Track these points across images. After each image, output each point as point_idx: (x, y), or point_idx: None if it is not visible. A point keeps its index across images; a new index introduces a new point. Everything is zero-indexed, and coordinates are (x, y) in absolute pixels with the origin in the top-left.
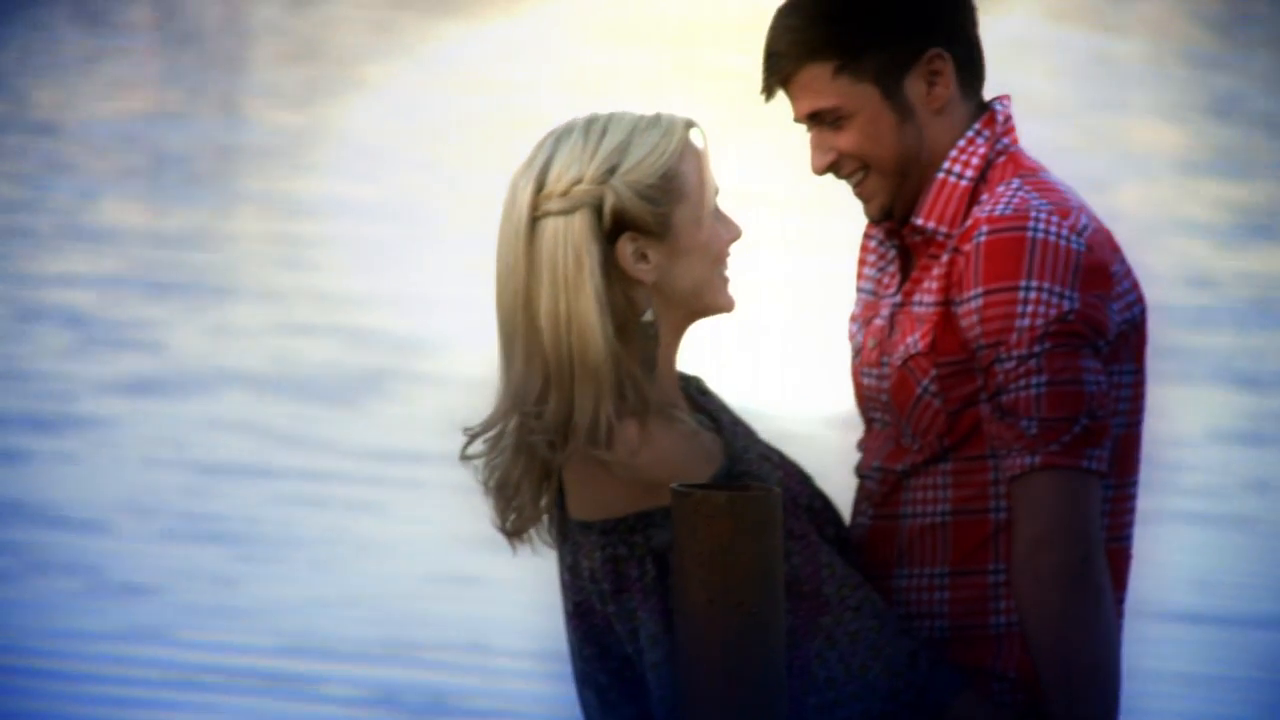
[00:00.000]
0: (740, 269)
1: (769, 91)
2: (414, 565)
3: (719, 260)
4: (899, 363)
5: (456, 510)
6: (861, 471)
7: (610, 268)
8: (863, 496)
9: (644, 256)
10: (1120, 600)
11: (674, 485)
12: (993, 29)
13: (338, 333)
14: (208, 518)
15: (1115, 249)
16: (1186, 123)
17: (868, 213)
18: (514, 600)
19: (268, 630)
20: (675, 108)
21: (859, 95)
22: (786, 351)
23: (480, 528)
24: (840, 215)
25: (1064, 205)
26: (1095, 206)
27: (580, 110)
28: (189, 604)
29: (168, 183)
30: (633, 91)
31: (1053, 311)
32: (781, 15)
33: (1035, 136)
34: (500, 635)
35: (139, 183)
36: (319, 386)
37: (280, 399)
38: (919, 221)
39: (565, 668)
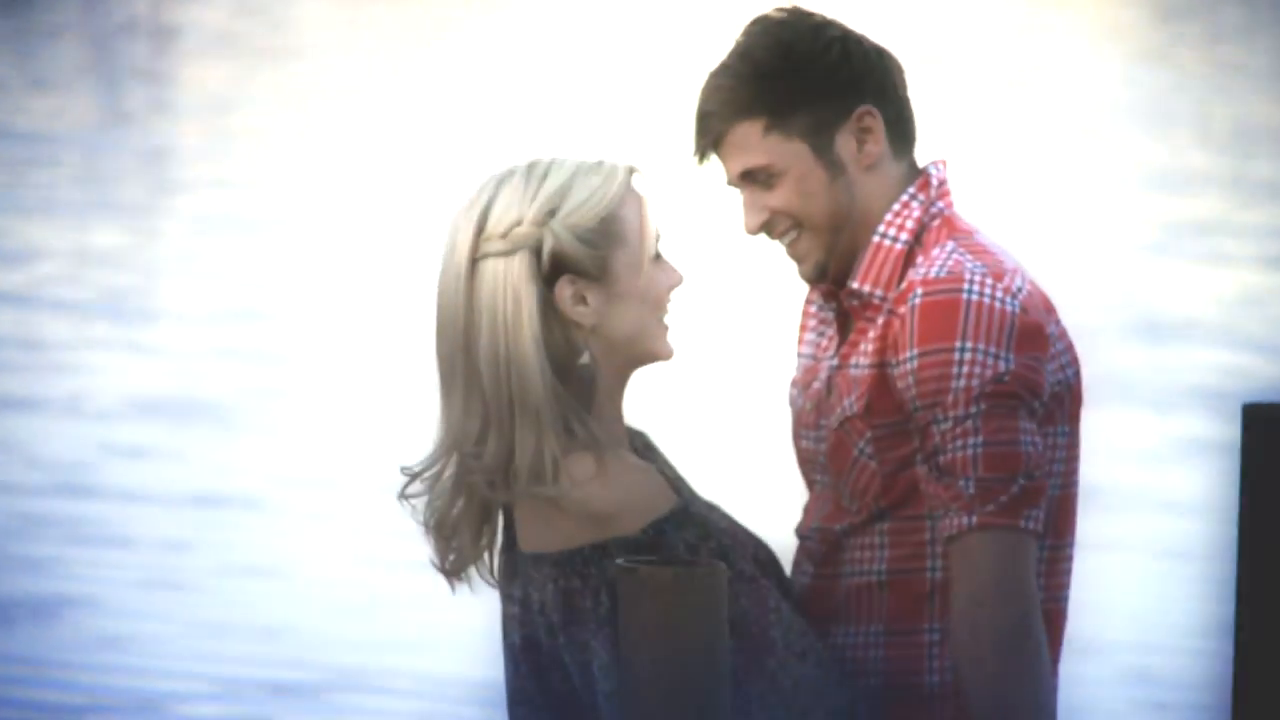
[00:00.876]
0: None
1: (702, 154)
2: (326, 592)
3: (658, 306)
4: (835, 425)
5: (368, 535)
6: (801, 532)
7: (549, 310)
8: (803, 556)
9: (583, 299)
10: (1055, 660)
11: (619, 561)
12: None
13: (253, 355)
14: (116, 544)
15: (1050, 310)
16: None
17: (802, 274)
18: (430, 624)
19: (176, 672)
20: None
21: (789, 153)
22: (721, 385)
23: (390, 552)
24: None
25: (999, 267)
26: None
27: (521, 124)
28: (95, 631)
29: (79, 198)
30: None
31: (988, 372)
32: (712, 77)
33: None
34: (416, 662)
35: (48, 198)
36: (232, 409)
37: (189, 422)
38: (855, 285)
39: (498, 697)
